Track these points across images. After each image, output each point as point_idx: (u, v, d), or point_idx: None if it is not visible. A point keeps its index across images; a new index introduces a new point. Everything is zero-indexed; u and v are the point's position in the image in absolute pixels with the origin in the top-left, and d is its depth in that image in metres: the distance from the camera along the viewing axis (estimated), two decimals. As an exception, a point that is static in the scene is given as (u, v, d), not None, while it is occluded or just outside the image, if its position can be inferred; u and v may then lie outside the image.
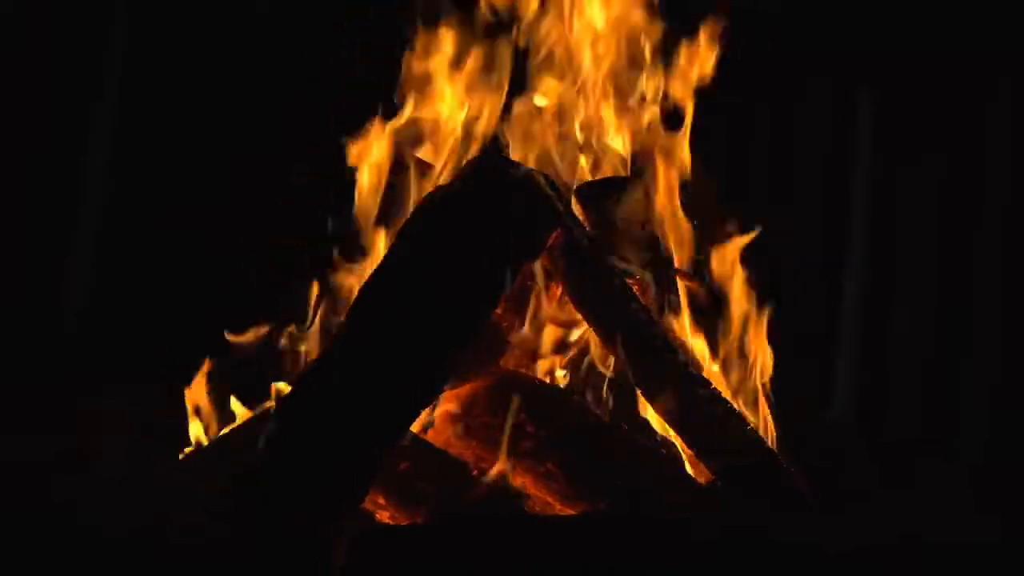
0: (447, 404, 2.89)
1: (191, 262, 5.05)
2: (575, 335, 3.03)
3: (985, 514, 3.23)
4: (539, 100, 3.32)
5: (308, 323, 3.19)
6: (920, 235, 5.28)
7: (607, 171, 3.27)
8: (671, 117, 3.33)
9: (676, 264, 3.15)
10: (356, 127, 3.26)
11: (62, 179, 5.17)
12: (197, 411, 3.23)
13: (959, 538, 2.77)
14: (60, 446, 3.25)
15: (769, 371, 3.13)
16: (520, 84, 3.33)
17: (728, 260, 3.17)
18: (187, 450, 3.18)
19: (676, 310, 3.08)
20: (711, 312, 3.14)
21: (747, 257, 3.18)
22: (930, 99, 5.21)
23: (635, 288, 3.00)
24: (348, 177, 3.23)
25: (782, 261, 5.07)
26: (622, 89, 3.31)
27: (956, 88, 5.18)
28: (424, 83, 3.29)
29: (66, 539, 2.58)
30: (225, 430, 3.14)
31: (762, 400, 3.11)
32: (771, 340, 3.17)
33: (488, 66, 3.28)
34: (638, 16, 3.37)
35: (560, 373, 3.06)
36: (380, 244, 3.11)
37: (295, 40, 5.21)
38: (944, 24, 5.15)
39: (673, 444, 2.98)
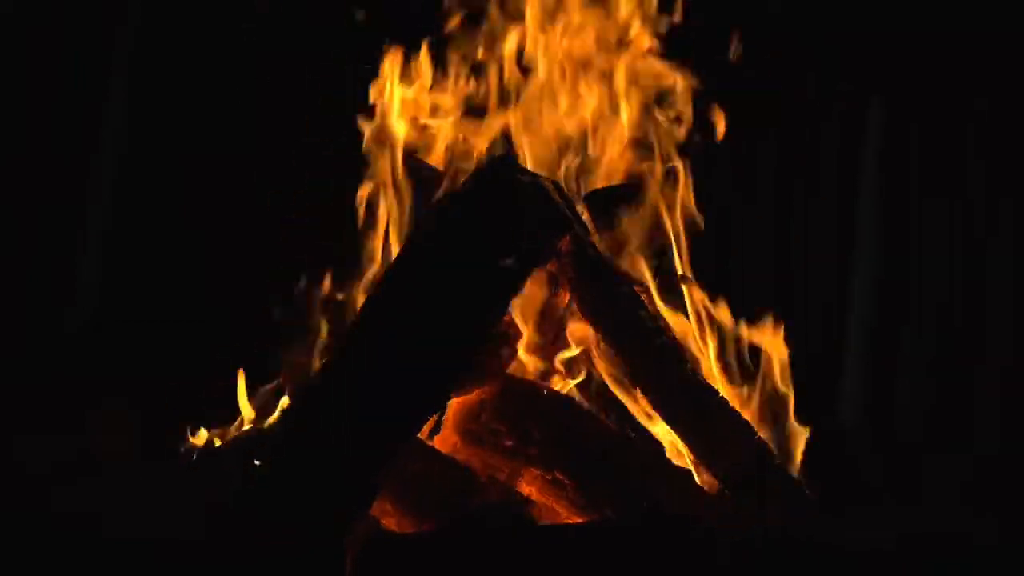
0: (455, 410, 2.89)
1: (197, 262, 5.05)
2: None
3: (986, 515, 3.25)
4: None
5: (316, 327, 3.19)
6: (927, 236, 5.29)
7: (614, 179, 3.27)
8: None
9: (684, 271, 3.15)
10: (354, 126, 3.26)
11: (69, 179, 5.17)
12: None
13: (959, 538, 2.77)
14: (64, 447, 3.25)
15: (777, 375, 3.13)
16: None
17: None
18: (194, 452, 3.18)
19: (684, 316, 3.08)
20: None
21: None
22: (939, 104, 5.21)
23: (643, 295, 3.00)
24: (351, 176, 3.24)
25: (791, 266, 5.09)
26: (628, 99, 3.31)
27: (963, 92, 5.19)
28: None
29: (67, 539, 2.58)
30: (233, 433, 3.14)
31: (769, 404, 3.11)
32: (779, 344, 3.17)
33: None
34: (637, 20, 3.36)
35: (567, 380, 3.05)
36: (387, 249, 3.11)
37: (295, 40, 5.21)
38: (949, 28, 5.16)
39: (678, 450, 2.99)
